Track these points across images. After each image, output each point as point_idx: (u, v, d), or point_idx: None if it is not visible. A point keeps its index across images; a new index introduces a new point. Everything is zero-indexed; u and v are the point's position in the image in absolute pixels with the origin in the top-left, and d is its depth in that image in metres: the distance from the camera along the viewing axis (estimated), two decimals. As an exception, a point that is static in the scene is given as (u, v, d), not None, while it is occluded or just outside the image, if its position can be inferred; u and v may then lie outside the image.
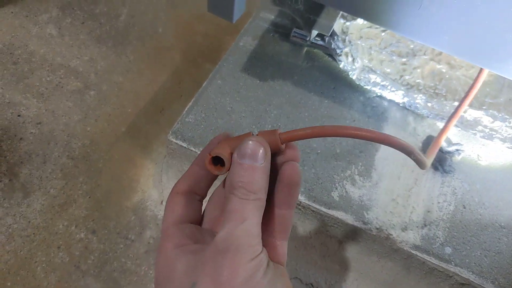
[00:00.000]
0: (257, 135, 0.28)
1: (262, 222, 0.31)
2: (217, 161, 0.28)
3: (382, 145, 0.63)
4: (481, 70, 0.59)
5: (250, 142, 0.27)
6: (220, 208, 0.32)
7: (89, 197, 0.65)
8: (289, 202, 0.30)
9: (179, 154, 0.62)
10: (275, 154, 0.29)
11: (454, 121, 0.59)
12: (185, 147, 0.60)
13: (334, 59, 0.69)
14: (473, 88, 0.59)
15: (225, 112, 0.63)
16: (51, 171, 0.66)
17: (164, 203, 0.66)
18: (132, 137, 0.71)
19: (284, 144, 0.29)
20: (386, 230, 0.57)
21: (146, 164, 0.69)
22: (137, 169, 0.69)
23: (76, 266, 0.60)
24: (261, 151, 0.27)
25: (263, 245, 0.31)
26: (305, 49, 0.71)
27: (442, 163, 0.62)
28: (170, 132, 0.61)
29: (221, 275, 0.24)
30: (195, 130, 0.61)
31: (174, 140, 0.60)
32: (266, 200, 0.28)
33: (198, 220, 0.32)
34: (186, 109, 0.63)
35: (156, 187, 0.67)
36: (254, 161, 0.26)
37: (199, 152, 0.61)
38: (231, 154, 0.28)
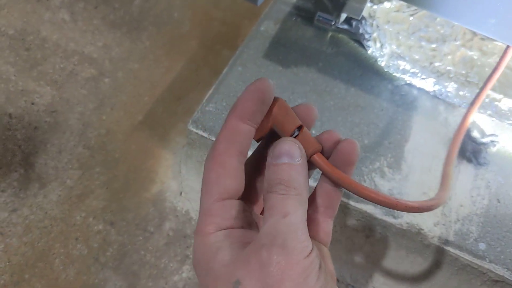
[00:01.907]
0: (299, 134, 0.27)
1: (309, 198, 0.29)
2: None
3: (411, 136, 0.60)
4: (506, 50, 0.55)
5: (284, 142, 0.25)
6: (259, 172, 0.29)
7: (107, 188, 0.63)
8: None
9: (199, 144, 0.60)
10: None
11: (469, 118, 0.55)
12: (205, 137, 0.57)
13: (361, 45, 0.66)
14: (496, 72, 0.56)
15: (247, 100, 0.60)
16: (67, 161, 0.64)
17: (183, 194, 0.64)
18: (149, 127, 0.69)
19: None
20: (417, 224, 0.55)
21: (164, 154, 0.67)
22: (155, 160, 0.67)
23: (95, 258, 0.58)
24: (296, 149, 0.25)
25: (307, 221, 0.29)
26: (330, 34, 0.67)
27: (476, 155, 0.59)
28: (190, 122, 0.58)
29: (268, 275, 0.21)
30: (216, 119, 0.58)
31: (194, 130, 0.58)
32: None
33: (242, 191, 0.27)
34: (206, 97, 0.61)
35: (175, 178, 0.65)
36: (290, 159, 0.25)
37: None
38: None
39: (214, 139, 0.57)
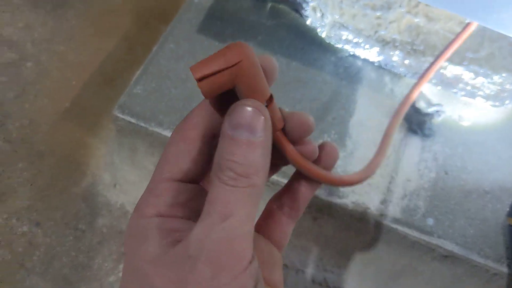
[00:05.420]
0: (268, 106, 0.21)
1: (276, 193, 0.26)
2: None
3: (356, 110, 0.57)
4: (466, 26, 0.53)
5: (245, 109, 0.19)
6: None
7: (31, 185, 0.57)
8: (314, 183, 0.26)
9: (129, 132, 0.55)
10: None
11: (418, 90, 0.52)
12: (134, 123, 0.52)
13: (302, 16, 0.62)
14: (454, 43, 0.53)
15: (179, 80, 0.56)
16: (-15, 158, 0.58)
17: (118, 186, 0.59)
18: (78, 114, 0.63)
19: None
20: (363, 203, 0.52)
21: (96, 143, 0.62)
22: (86, 150, 0.61)
23: (20, 264, 0.53)
24: (261, 121, 0.19)
25: (267, 217, 0.26)
26: (270, 4, 0.63)
27: (421, 126, 0.56)
28: (116, 107, 0.53)
29: None
30: (144, 103, 0.53)
31: (121, 116, 0.53)
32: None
33: (199, 177, 0.23)
34: (133, 78, 0.55)
35: (108, 169, 0.60)
36: (250, 134, 0.19)
37: (150, 128, 0.53)
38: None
39: (143, 124, 0.53)
